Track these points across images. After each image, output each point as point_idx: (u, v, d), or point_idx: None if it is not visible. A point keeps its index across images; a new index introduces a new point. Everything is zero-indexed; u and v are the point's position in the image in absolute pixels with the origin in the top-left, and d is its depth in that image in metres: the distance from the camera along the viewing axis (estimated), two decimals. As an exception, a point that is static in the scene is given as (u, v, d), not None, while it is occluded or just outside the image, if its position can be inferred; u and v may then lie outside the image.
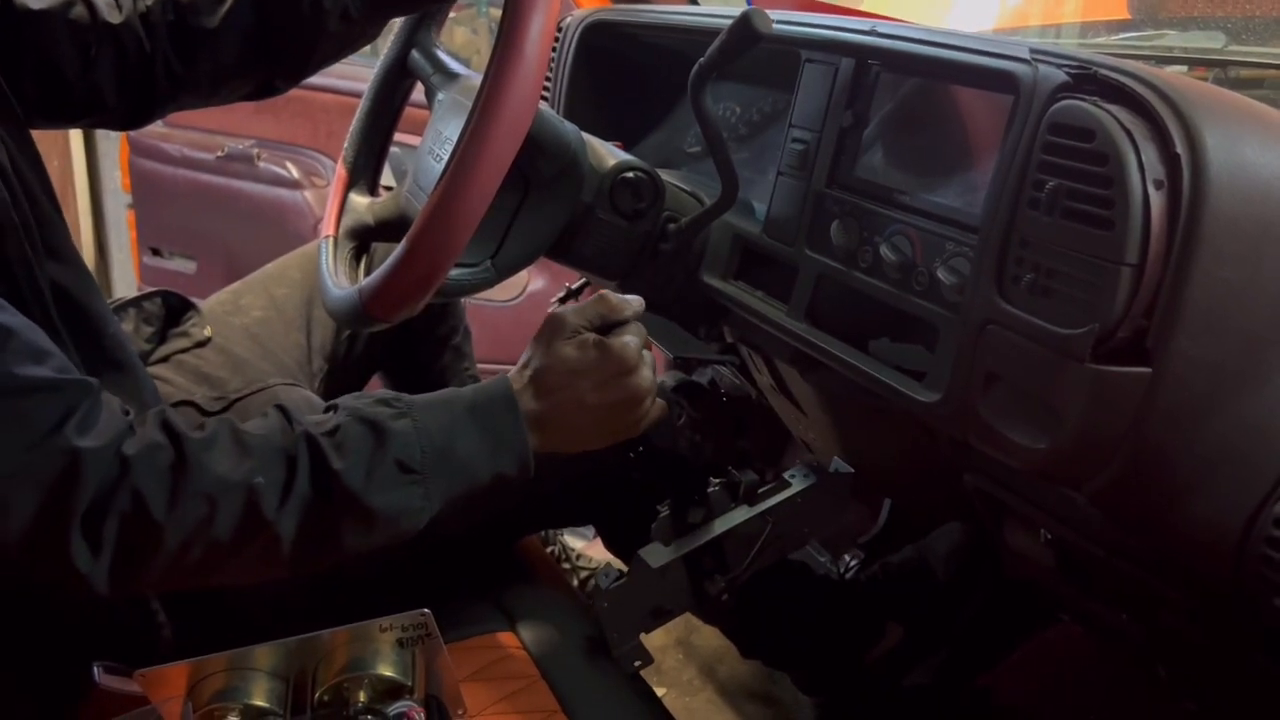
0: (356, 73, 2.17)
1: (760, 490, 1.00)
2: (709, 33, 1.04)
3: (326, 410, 0.82)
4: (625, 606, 0.96)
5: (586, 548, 1.86)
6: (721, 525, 0.98)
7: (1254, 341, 0.65)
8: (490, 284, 1.00)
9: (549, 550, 1.77)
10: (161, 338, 1.16)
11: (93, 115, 0.98)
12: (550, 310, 0.90)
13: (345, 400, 0.83)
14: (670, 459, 0.99)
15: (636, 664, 0.97)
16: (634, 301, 0.91)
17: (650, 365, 0.89)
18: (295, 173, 2.36)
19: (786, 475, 1.02)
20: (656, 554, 0.97)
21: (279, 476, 0.76)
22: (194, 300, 1.21)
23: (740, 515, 0.99)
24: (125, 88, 0.96)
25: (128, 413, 0.76)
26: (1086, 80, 0.70)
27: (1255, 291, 0.65)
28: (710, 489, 0.99)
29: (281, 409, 0.81)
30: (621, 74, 1.34)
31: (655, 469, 0.99)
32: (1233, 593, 0.67)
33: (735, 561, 0.99)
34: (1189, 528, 0.68)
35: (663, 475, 0.99)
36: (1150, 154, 0.65)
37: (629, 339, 0.87)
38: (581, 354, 0.86)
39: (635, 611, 0.97)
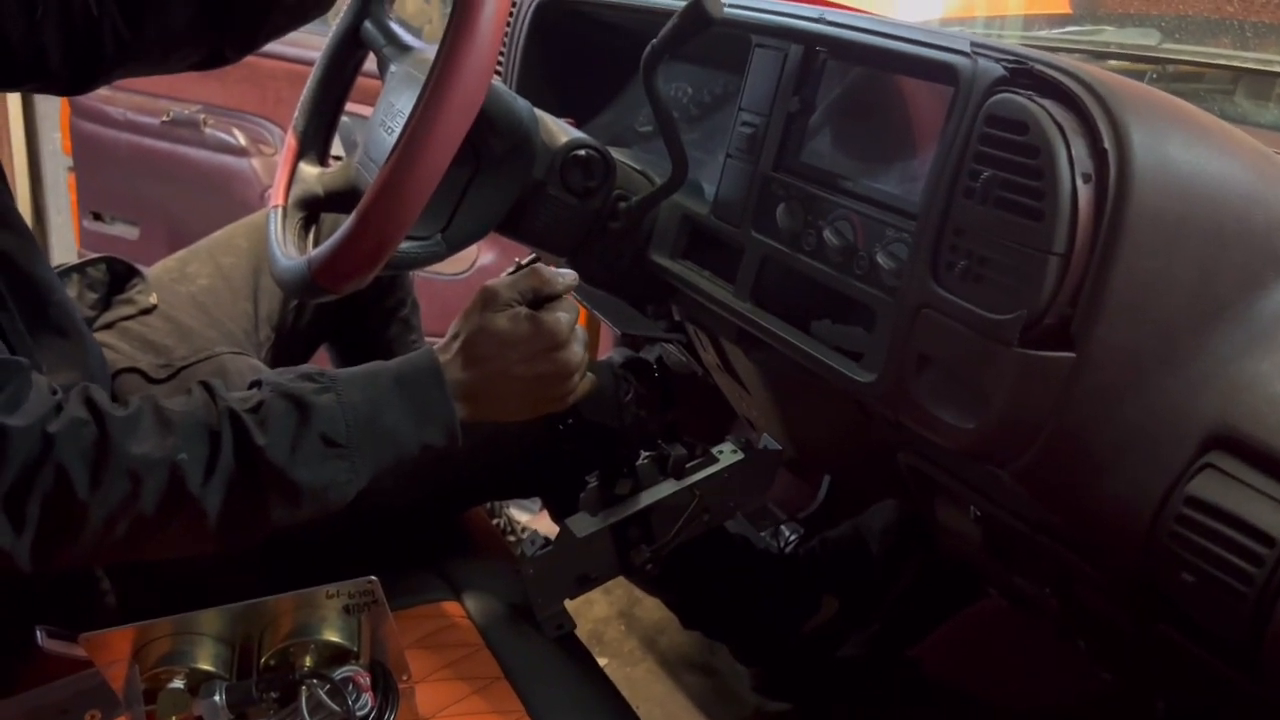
0: (306, 40, 2.13)
1: (688, 464, 1.01)
2: (662, 12, 1.05)
3: (250, 387, 0.83)
4: (550, 573, 0.97)
5: (532, 521, 1.88)
6: (648, 498, 0.99)
7: (1168, 330, 0.69)
8: (440, 258, 1.01)
9: (495, 523, 1.79)
10: (106, 304, 1.15)
11: (36, 79, 0.95)
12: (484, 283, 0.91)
13: (269, 376, 0.84)
14: (600, 432, 1.00)
15: (559, 628, 0.98)
16: (567, 276, 0.91)
17: (581, 341, 0.90)
18: (242, 140, 2.33)
19: (715, 450, 1.04)
20: (582, 524, 0.98)
21: (202, 452, 0.76)
22: (139, 267, 1.19)
23: (667, 488, 1.00)
24: (71, 52, 0.93)
25: (55, 391, 0.76)
26: (1023, 75, 0.72)
27: (1171, 282, 0.68)
28: (639, 462, 1.00)
29: (206, 385, 0.81)
30: (574, 51, 1.35)
31: (585, 442, 1.01)
32: (1143, 568, 0.71)
33: (661, 532, 1.00)
34: (1105, 505, 0.71)
35: (592, 448, 1.00)
36: (1080, 148, 0.67)
37: (561, 314, 0.88)
38: (513, 326, 0.87)
39: (560, 578, 0.98)
